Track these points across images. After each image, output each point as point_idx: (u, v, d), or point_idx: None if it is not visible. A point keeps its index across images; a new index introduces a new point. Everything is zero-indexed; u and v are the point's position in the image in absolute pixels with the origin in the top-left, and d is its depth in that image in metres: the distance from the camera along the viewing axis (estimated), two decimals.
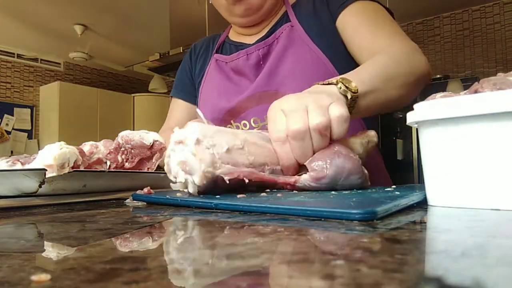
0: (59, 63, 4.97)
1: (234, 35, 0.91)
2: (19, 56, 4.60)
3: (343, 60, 0.76)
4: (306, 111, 0.45)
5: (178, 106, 0.98)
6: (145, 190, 0.44)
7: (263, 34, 0.83)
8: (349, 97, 0.52)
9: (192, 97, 0.96)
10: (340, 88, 0.52)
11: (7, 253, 0.20)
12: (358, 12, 0.75)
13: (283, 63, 0.77)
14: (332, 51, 0.76)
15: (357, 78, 0.55)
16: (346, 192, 0.41)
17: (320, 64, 0.75)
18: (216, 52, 0.90)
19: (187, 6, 3.19)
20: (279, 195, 0.39)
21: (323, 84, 0.53)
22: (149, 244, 0.22)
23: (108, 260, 0.17)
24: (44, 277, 0.14)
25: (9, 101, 4.51)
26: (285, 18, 0.82)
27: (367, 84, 0.56)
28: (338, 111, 0.46)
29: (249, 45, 0.84)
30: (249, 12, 0.80)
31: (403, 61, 0.66)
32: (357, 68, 0.61)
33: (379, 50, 0.68)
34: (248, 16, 0.81)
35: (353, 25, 0.75)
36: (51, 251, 0.21)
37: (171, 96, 1.00)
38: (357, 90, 0.53)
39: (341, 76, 0.55)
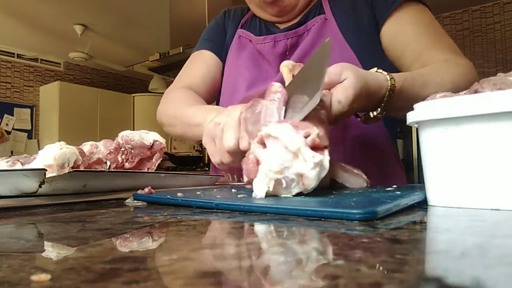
0: (59, 63, 4.97)
1: None
2: (19, 56, 4.60)
3: (374, 63, 0.72)
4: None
5: (206, 60, 0.85)
6: (146, 189, 0.44)
7: (295, 22, 0.79)
8: (388, 84, 0.53)
9: (222, 53, 0.86)
10: (373, 113, 0.55)
11: (7, 253, 0.20)
12: (413, 18, 0.71)
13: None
14: (364, 53, 0.73)
15: (403, 76, 0.56)
16: (347, 192, 0.41)
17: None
18: (242, 27, 0.85)
19: (187, 6, 3.19)
20: None
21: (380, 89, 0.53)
22: (149, 244, 0.22)
23: (108, 260, 0.17)
24: (44, 277, 0.14)
25: (9, 101, 4.51)
26: (319, 8, 0.78)
27: (408, 83, 0.56)
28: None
29: (279, 30, 0.80)
30: (282, 13, 0.78)
31: (460, 83, 0.63)
32: (413, 79, 0.59)
33: (439, 61, 0.66)
34: (281, 16, 0.79)
35: (408, 32, 0.71)
36: (51, 251, 0.21)
37: (194, 51, 0.89)
38: (382, 115, 0.55)
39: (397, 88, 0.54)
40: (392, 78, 0.54)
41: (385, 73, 0.55)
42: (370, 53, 0.73)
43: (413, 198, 0.34)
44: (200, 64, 0.86)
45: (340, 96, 0.47)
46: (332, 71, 0.48)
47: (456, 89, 0.60)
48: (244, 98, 0.76)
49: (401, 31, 0.72)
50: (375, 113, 0.55)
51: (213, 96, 0.88)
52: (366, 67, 0.71)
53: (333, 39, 0.73)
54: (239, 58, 0.81)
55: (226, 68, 0.84)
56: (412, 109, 0.58)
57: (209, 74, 0.85)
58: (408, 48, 0.71)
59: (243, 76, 0.79)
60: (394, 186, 0.48)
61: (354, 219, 0.26)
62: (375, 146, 0.75)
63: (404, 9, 0.72)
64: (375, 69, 0.56)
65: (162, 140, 0.65)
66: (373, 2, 0.74)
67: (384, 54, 0.75)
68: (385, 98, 0.53)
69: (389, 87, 0.53)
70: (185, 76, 0.86)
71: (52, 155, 0.44)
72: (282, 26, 0.81)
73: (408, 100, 0.56)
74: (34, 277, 0.14)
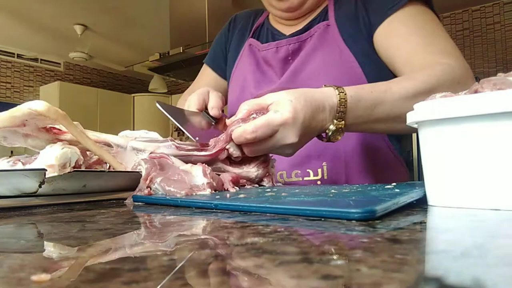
0: (59, 63, 4.97)
1: (274, 20, 0.89)
2: (19, 56, 4.60)
3: (376, 69, 0.73)
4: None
5: (207, 75, 0.99)
6: (145, 191, 0.44)
7: (300, 28, 0.82)
8: (333, 129, 0.55)
9: (220, 69, 0.97)
10: (333, 126, 0.55)
11: (7, 253, 0.20)
12: (408, 19, 0.69)
13: (310, 63, 0.76)
14: (364, 56, 0.73)
15: (364, 111, 0.56)
16: (346, 190, 0.41)
17: (348, 68, 0.73)
18: (252, 36, 0.89)
19: (187, 6, 3.19)
20: (283, 194, 0.39)
21: (331, 107, 0.54)
22: (149, 244, 0.22)
23: (108, 260, 0.17)
24: (44, 277, 0.14)
25: (9, 101, 4.51)
26: (324, 14, 0.80)
27: (365, 120, 0.57)
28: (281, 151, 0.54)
29: (284, 36, 0.83)
30: (290, 9, 0.79)
31: (432, 88, 0.58)
32: (381, 90, 0.57)
33: (424, 66, 0.63)
34: (289, 12, 0.80)
35: (401, 34, 0.68)
36: (51, 251, 0.21)
37: (204, 61, 1.01)
38: (343, 125, 0.55)
39: (352, 100, 0.54)
40: (340, 87, 0.55)
41: (332, 85, 0.56)
42: (372, 58, 0.73)
43: (412, 195, 0.34)
44: (203, 78, 1.00)
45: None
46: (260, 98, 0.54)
47: (422, 96, 0.58)
48: (254, 97, 0.80)
49: (393, 33, 0.70)
50: (333, 126, 0.55)
51: None
52: (367, 72, 0.72)
53: (333, 45, 0.75)
54: (248, 63, 0.86)
55: (236, 71, 0.89)
56: (377, 122, 0.58)
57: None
58: (398, 51, 0.69)
59: (249, 78, 0.85)
60: (393, 184, 0.48)
61: (353, 218, 0.26)
62: (372, 147, 0.76)
63: (401, 11, 0.70)
64: (323, 86, 0.57)
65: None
66: (368, 8, 0.74)
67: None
68: (339, 107, 0.54)
69: (338, 95, 0.54)
70: (194, 86, 1.00)
71: (53, 155, 0.44)
72: (288, 33, 0.83)
73: (369, 109, 0.57)
74: (34, 277, 0.14)
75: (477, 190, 0.30)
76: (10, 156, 0.51)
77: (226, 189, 0.48)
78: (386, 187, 0.43)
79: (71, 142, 0.50)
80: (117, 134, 0.63)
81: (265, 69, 0.83)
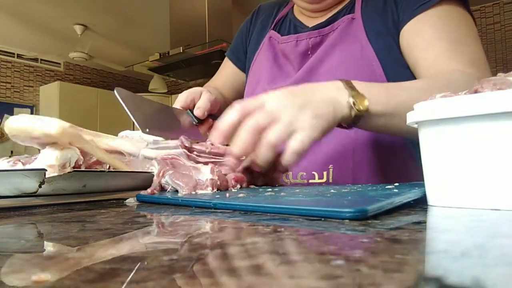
0: (59, 63, 4.97)
1: (298, 11, 0.85)
2: (19, 56, 4.60)
3: (396, 67, 0.69)
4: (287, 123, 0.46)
5: (227, 68, 0.98)
6: (149, 190, 0.45)
7: (323, 20, 0.78)
8: (352, 114, 0.49)
9: (240, 62, 0.95)
10: (349, 103, 0.49)
11: (7, 253, 0.20)
12: (437, 19, 0.65)
13: (328, 59, 0.73)
14: (387, 53, 0.69)
15: (378, 96, 0.51)
16: (345, 190, 0.41)
17: (368, 66, 0.69)
18: (274, 28, 0.86)
19: (187, 6, 3.19)
20: (283, 193, 0.39)
21: (337, 86, 0.50)
22: (149, 244, 0.22)
23: (108, 260, 0.17)
24: (44, 277, 0.14)
25: (9, 101, 4.51)
26: (350, 7, 0.76)
27: (385, 106, 0.52)
28: (299, 143, 0.46)
29: (306, 28, 0.80)
30: (314, 0, 0.76)
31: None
32: (393, 84, 0.55)
33: (446, 70, 0.60)
34: (314, 4, 0.77)
35: (428, 36, 0.65)
36: (51, 251, 0.21)
37: (226, 53, 1.00)
38: (366, 109, 0.50)
39: (362, 85, 0.51)
40: (344, 80, 0.52)
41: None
42: (395, 57, 0.70)
43: (409, 195, 0.34)
44: (223, 71, 1.00)
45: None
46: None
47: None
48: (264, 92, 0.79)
49: (419, 34, 0.66)
50: (350, 97, 0.49)
51: (236, 95, 0.98)
52: (388, 71, 0.69)
53: (355, 40, 0.71)
54: (266, 57, 0.84)
55: (254, 65, 0.87)
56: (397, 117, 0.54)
57: (229, 83, 0.98)
58: (422, 54, 0.66)
59: (265, 73, 0.82)
60: (396, 184, 0.48)
61: (344, 217, 0.26)
62: (387, 150, 0.73)
63: (432, 10, 0.65)
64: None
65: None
66: (398, 3, 0.71)
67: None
68: (346, 83, 0.50)
69: (340, 80, 0.51)
70: (217, 80, 0.99)
71: (54, 155, 0.44)
72: (310, 25, 0.80)
73: (383, 96, 0.52)
74: (34, 277, 0.14)
75: (477, 190, 0.30)
76: (10, 156, 0.51)
77: (229, 188, 0.48)
78: (386, 187, 0.43)
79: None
80: (116, 134, 0.63)
81: (283, 63, 0.80)
